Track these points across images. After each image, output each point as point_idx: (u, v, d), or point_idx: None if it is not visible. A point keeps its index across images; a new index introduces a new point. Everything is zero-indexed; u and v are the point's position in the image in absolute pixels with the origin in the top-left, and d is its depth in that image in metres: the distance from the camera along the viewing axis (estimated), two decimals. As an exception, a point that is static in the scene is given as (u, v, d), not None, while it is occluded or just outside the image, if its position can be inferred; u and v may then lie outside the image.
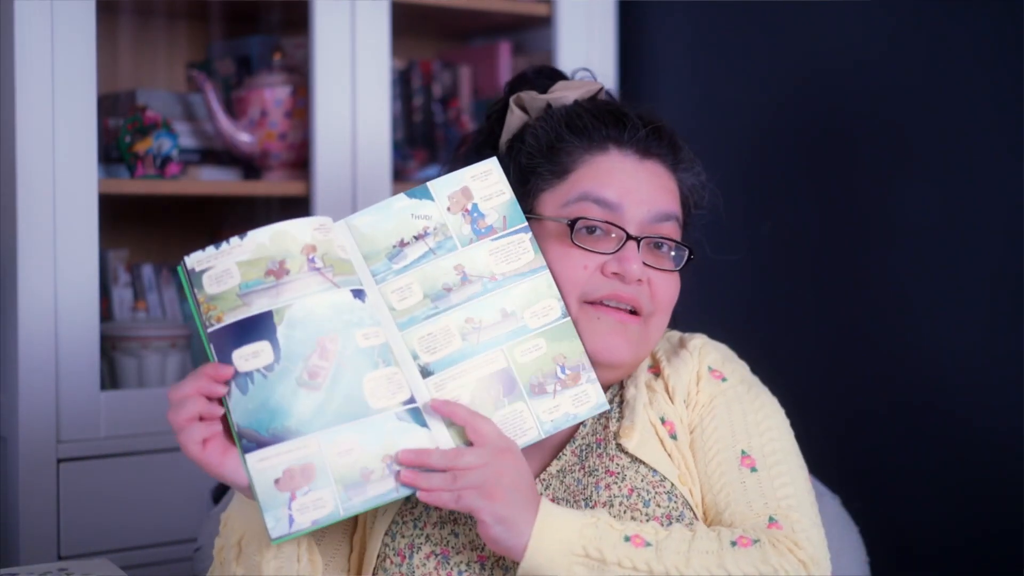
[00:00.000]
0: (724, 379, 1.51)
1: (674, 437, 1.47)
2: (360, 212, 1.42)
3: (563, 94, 1.57)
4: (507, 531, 1.30)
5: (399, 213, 1.41)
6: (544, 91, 1.58)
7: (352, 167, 2.39)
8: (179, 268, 1.34)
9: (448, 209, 1.41)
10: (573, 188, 1.48)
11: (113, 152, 2.32)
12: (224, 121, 2.42)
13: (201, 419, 1.29)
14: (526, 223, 1.42)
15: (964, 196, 2.16)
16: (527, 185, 1.51)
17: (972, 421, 2.14)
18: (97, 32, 2.15)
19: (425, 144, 2.77)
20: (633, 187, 1.47)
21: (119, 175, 2.31)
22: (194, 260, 1.33)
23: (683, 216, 1.53)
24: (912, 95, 2.23)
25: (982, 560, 2.11)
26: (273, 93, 2.43)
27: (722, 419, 1.47)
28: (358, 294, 1.36)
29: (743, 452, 1.45)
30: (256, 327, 1.30)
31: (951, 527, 2.16)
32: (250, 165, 2.49)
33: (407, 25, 2.59)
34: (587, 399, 1.39)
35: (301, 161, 2.44)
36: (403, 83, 2.73)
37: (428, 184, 1.43)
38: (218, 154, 2.49)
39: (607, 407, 1.39)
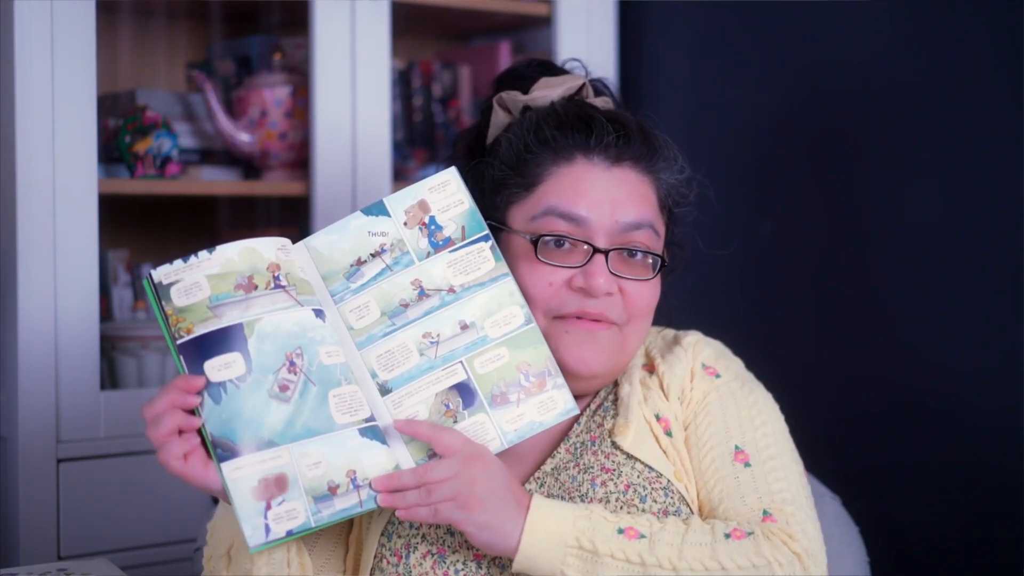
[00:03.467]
0: (718, 375, 1.50)
1: (669, 434, 1.46)
2: (318, 233, 1.41)
3: (543, 93, 1.53)
4: (494, 536, 1.30)
5: (356, 231, 1.40)
6: (534, 83, 1.55)
7: (352, 167, 2.39)
8: (145, 281, 1.35)
9: (405, 224, 1.40)
10: (540, 202, 1.45)
11: (113, 152, 2.32)
12: (224, 121, 2.42)
13: (180, 433, 1.29)
14: (487, 231, 1.41)
15: (963, 196, 2.16)
16: (497, 197, 1.49)
17: (972, 421, 2.14)
18: (97, 32, 2.15)
19: (425, 144, 2.76)
20: (601, 198, 1.44)
21: (119, 175, 2.31)
22: (161, 273, 1.34)
23: (664, 217, 1.51)
24: (912, 95, 2.23)
25: (982, 560, 2.11)
26: (273, 93, 2.43)
27: (716, 415, 1.47)
28: (319, 314, 1.36)
29: (736, 448, 1.44)
30: (227, 339, 1.31)
31: (951, 527, 2.16)
32: (250, 165, 2.49)
33: (407, 25, 2.59)
34: (554, 405, 1.37)
35: (301, 161, 2.44)
36: (403, 83, 2.73)
37: (384, 200, 1.42)
38: (218, 154, 2.49)
39: (576, 411, 1.38)
